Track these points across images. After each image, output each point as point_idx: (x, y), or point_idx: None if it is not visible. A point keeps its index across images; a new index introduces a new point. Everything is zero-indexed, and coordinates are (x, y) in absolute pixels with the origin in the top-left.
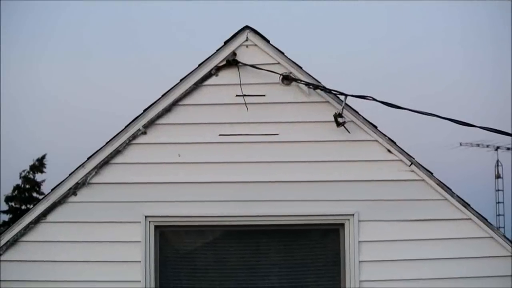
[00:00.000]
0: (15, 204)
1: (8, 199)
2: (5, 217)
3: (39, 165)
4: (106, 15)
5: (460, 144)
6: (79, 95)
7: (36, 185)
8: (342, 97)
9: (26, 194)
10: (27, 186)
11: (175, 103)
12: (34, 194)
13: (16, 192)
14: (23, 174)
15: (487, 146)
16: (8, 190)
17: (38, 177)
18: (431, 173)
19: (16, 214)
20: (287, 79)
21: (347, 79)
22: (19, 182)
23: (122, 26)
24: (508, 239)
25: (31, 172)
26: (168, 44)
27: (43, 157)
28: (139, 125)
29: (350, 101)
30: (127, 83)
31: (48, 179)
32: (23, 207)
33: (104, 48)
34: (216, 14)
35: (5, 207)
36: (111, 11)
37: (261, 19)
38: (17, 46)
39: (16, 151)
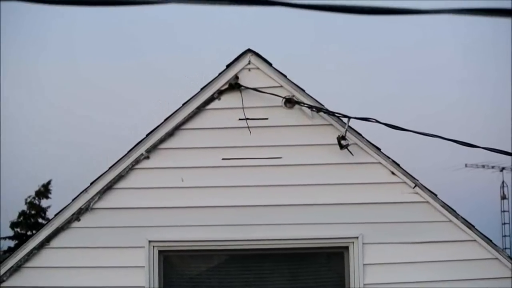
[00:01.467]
0: (20, 230)
1: (13, 225)
2: (11, 243)
3: (44, 191)
4: (103, 20)
5: (466, 165)
6: (78, 101)
7: (41, 211)
8: (345, 120)
9: (32, 220)
10: (33, 212)
11: (177, 128)
12: (40, 220)
13: (21, 218)
14: (28, 199)
15: (492, 167)
16: (13, 216)
17: (44, 202)
18: (435, 195)
19: (22, 240)
20: (290, 102)
21: (346, 100)
22: (25, 207)
23: (119, 31)
24: None
25: (36, 198)
26: (166, 48)
27: (49, 182)
28: (142, 149)
29: (353, 123)
30: (126, 87)
31: (53, 205)
32: (29, 233)
33: (102, 53)
34: (216, 18)
35: (10, 233)
36: (108, 16)
37: (262, 23)
38: (14, 50)
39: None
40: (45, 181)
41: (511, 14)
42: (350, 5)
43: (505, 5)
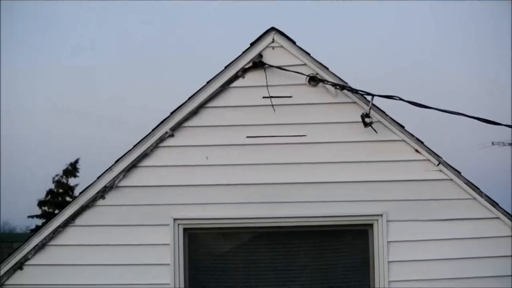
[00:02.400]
0: (48, 208)
1: (41, 204)
2: (39, 222)
3: (72, 170)
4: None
5: (492, 143)
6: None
7: (69, 189)
8: (369, 97)
9: (59, 199)
10: (60, 191)
11: (202, 106)
12: (67, 198)
13: (49, 197)
14: (56, 178)
15: None
16: (41, 194)
17: (71, 181)
18: (459, 173)
19: (49, 219)
20: (313, 80)
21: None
22: (52, 186)
23: (127, 29)
24: None
25: (64, 177)
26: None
27: (76, 161)
28: (166, 127)
29: (377, 101)
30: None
31: (81, 184)
32: (56, 211)
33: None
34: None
35: (38, 211)
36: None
37: (266, 19)
38: (25, 52)
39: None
40: (73, 160)
41: None
42: None
43: None
